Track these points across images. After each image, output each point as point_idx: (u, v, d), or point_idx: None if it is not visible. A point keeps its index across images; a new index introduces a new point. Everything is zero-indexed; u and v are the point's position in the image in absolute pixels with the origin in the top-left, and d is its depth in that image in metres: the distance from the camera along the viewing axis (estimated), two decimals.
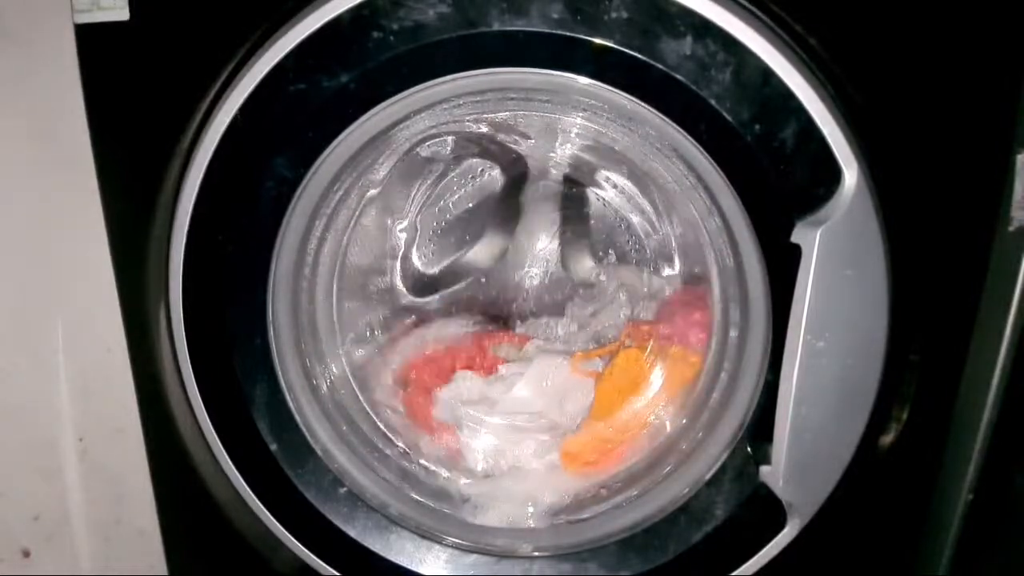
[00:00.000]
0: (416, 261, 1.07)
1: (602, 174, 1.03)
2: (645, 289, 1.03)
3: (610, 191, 1.05)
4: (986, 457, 0.78)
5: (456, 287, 1.08)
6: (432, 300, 1.08)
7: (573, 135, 0.96)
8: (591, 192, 1.05)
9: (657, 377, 0.94)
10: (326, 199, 0.83)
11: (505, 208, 1.06)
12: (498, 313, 1.09)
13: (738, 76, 0.66)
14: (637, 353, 0.93)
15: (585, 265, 1.09)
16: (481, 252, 1.08)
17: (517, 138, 0.98)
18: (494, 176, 1.04)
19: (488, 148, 1.01)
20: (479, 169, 1.04)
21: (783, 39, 0.69)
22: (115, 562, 0.96)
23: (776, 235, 0.70)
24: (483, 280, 1.08)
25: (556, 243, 1.08)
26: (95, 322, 0.86)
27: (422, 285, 1.08)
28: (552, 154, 1.01)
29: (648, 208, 1.03)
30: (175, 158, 0.77)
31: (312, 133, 0.73)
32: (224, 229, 0.76)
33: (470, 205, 1.06)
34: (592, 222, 1.07)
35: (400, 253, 1.06)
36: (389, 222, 1.05)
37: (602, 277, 1.06)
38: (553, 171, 1.03)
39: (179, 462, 0.89)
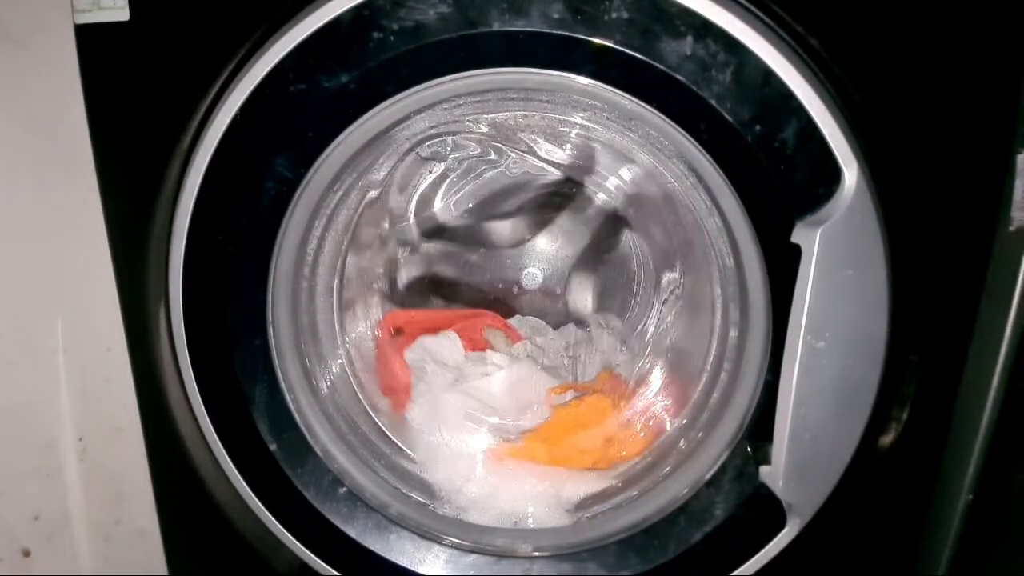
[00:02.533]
0: (437, 202, 1.06)
1: (655, 228, 1.03)
2: (620, 361, 1.03)
3: (653, 239, 1.04)
4: (986, 457, 0.78)
5: (459, 247, 1.08)
6: (430, 244, 1.07)
7: (635, 171, 0.96)
8: (630, 237, 1.05)
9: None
10: (326, 199, 0.83)
11: (546, 204, 1.05)
12: (497, 297, 1.09)
13: (738, 76, 0.66)
14: (607, 403, 0.95)
15: (582, 300, 1.09)
16: (501, 229, 1.07)
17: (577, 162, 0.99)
18: (551, 172, 1.04)
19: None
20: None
21: (783, 39, 0.69)
22: (115, 562, 0.96)
23: (776, 235, 0.70)
24: (482, 253, 1.08)
25: (569, 266, 1.08)
26: (95, 322, 0.86)
27: (430, 227, 1.07)
28: (612, 181, 1.01)
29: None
30: (175, 158, 0.77)
31: (312, 133, 0.73)
32: (224, 229, 0.76)
33: (517, 181, 1.04)
34: (609, 267, 1.08)
35: (423, 186, 1.05)
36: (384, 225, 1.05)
37: (588, 328, 1.07)
38: (605, 197, 1.03)
39: (179, 462, 0.89)
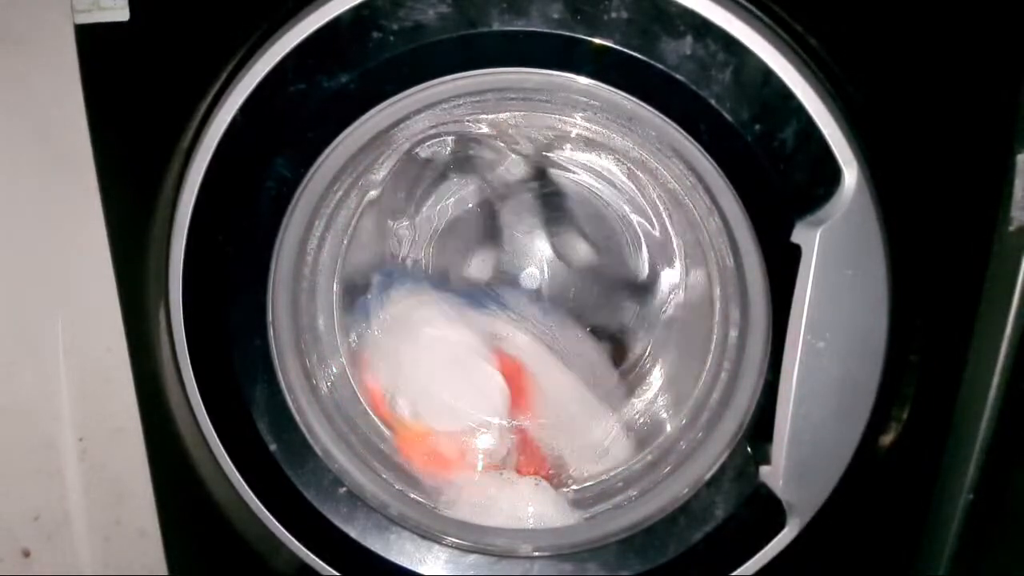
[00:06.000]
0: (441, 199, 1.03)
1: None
2: None
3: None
4: (986, 457, 0.78)
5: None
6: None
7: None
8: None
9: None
10: (326, 199, 0.83)
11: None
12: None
13: (738, 76, 0.66)
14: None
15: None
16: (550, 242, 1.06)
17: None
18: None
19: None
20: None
21: (783, 39, 0.69)
22: (115, 562, 0.96)
23: (776, 235, 0.70)
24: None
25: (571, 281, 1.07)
26: (95, 322, 0.86)
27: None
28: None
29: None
30: (175, 158, 0.77)
31: (312, 133, 0.73)
32: (224, 229, 0.76)
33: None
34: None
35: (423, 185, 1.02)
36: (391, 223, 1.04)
37: None
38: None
39: (179, 462, 0.89)
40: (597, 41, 0.67)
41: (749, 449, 0.79)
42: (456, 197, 1.07)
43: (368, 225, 1.01)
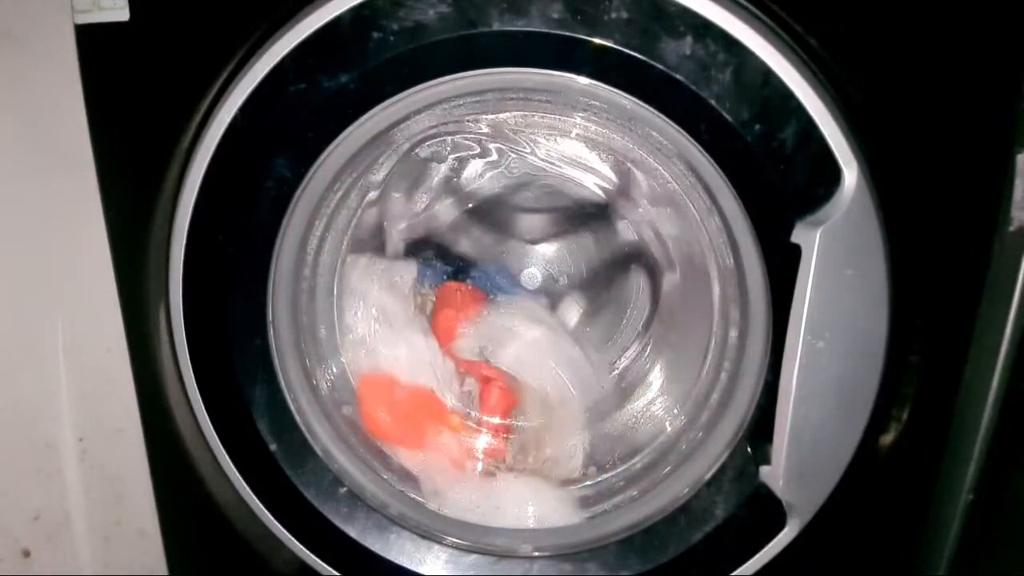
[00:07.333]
0: (440, 198, 1.04)
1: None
2: None
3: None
4: (986, 457, 0.78)
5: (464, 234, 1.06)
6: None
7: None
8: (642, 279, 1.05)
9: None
10: (326, 199, 0.83)
11: (575, 214, 1.05)
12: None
13: (738, 76, 0.66)
14: None
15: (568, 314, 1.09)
16: (518, 222, 1.06)
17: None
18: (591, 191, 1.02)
19: None
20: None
21: (783, 39, 0.69)
22: (115, 562, 0.96)
23: (776, 235, 0.70)
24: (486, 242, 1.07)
25: (571, 278, 1.07)
26: (95, 322, 0.86)
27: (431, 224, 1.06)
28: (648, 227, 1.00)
29: None
30: (175, 158, 0.77)
31: (312, 133, 0.73)
32: (224, 229, 0.76)
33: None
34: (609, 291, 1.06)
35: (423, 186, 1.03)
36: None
37: None
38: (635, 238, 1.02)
39: (179, 462, 0.89)
40: (597, 41, 0.67)
41: (749, 449, 0.79)
42: (456, 196, 1.07)
43: (368, 225, 1.01)
